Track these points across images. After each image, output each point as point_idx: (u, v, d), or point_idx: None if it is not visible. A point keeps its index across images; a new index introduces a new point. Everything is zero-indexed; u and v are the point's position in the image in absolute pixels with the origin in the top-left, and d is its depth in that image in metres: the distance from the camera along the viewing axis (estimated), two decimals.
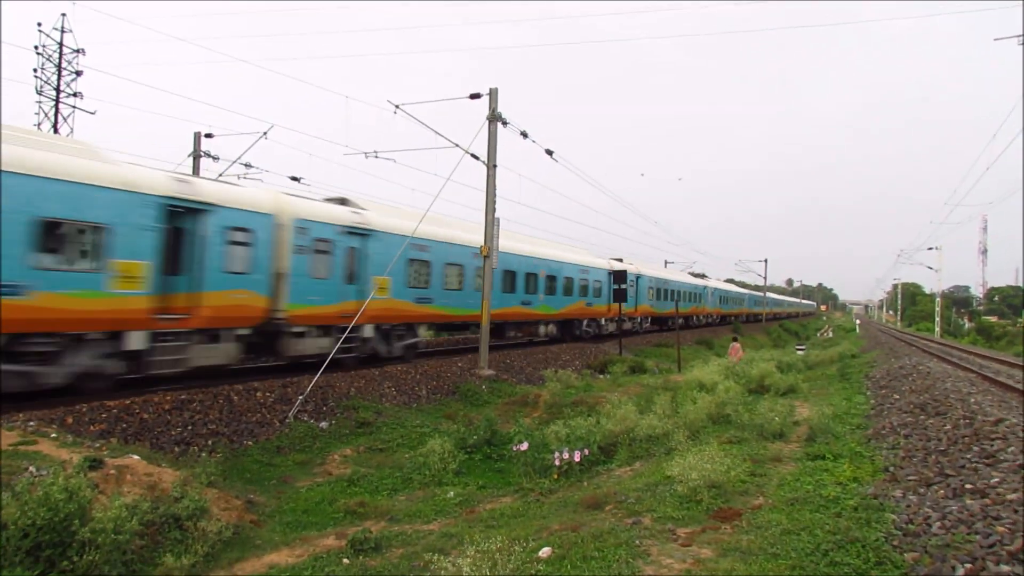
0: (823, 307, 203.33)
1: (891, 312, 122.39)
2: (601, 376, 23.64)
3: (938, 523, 5.93)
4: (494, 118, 20.75)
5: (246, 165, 25.71)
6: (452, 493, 9.99)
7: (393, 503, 9.84)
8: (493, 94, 20.73)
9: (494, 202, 21.06)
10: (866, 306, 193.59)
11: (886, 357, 28.01)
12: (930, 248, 67.50)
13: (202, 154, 27.94)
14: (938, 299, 68.38)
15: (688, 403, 13.21)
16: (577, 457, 10.29)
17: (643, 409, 13.36)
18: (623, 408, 12.61)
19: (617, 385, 19.83)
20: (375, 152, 22.59)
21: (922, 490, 7.15)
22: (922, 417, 11.32)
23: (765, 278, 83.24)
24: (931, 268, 68.20)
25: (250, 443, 11.78)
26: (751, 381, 17.62)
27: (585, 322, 33.36)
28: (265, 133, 24.19)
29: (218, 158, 27.73)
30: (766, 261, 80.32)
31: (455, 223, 23.61)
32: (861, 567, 5.22)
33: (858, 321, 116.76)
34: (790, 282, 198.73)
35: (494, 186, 21.02)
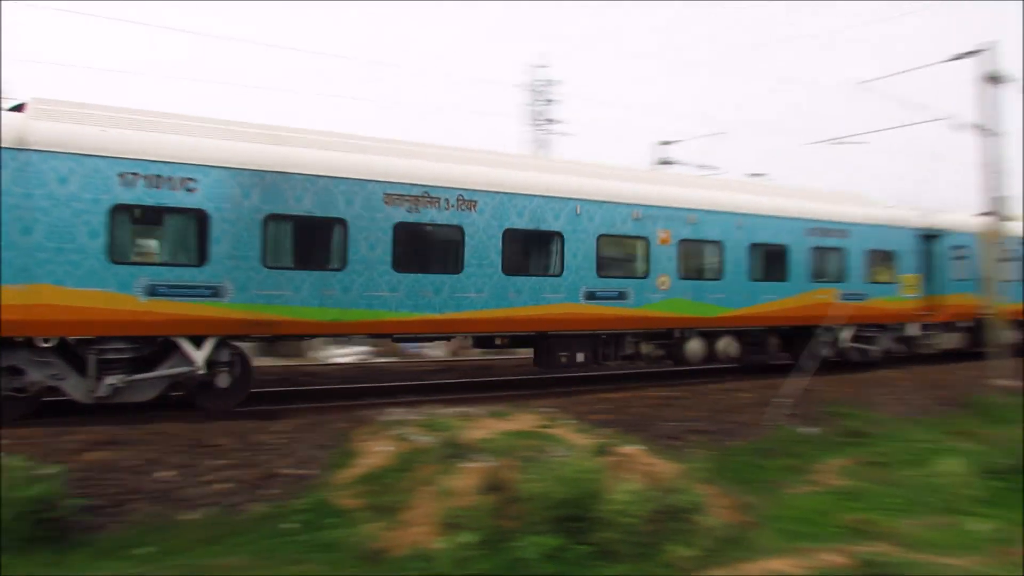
0: None
1: None
2: None
3: None
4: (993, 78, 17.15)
5: (701, 167, 26.55)
6: (981, 526, 8.39)
7: (898, 526, 8.73)
8: (991, 49, 17.13)
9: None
10: None
11: None
12: None
13: (664, 161, 29.87)
14: None
15: None
16: None
17: None
18: None
19: None
20: (840, 139, 20.88)
21: None
22: None
23: None
24: None
25: (735, 443, 11.80)
26: None
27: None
28: (722, 133, 24.58)
29: (676, 163, 29.37)
30: None
31: None
32: None
33: None
34: None
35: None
